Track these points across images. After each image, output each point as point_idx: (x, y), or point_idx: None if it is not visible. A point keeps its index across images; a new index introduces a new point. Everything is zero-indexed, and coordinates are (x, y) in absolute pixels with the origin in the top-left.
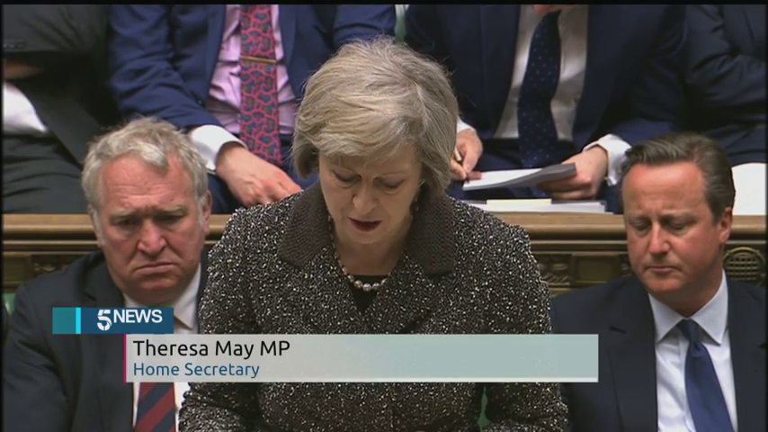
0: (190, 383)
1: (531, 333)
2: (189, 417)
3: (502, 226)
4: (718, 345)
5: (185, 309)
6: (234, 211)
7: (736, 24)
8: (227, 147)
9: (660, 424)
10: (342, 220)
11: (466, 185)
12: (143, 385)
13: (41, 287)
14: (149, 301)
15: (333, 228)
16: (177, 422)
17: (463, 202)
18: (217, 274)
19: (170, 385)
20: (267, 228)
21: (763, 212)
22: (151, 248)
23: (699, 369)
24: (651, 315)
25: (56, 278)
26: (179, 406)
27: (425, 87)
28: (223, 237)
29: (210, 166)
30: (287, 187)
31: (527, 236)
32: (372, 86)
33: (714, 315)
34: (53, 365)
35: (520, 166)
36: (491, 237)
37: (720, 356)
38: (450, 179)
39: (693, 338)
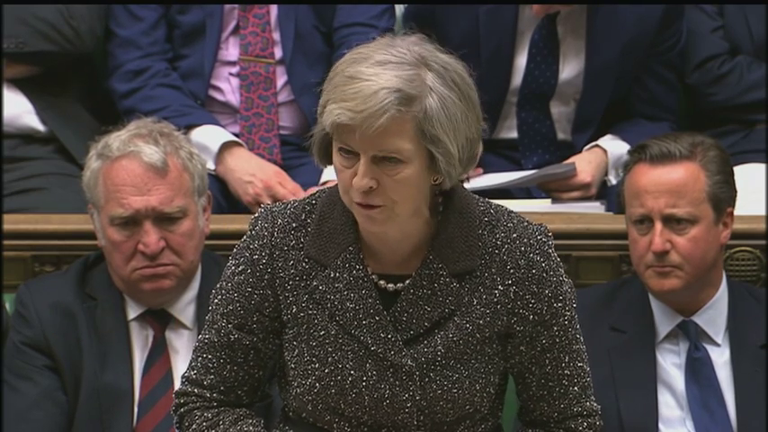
0: (188, 379)
1: (557, 331)
2: (210, 424)
3: (525, 224)
4: (718, 345)
5: (185, 309)
6: (260, 207)
7: (736, 24)
8: (226, 146)
9: (660, 424)
10: (350, 204)
11: (465, 186)
12: (143, 385)
13: (42, 287)
14: (149, 301)
15: (358, 226)
16: (193, 427)
17: (487, 200)
18: (242, 268)
19: (170, 385)
20: (294, 225)
21: (763, 212)
22: (151, 249)
23: (699, 369)
24: (651, 315)
25: (56, 278)
26: None
27: (437, 74)
28: (249, 232)
29: (210, 165)
30: (287, 187)
31: (550, 234)
32: (378, 63)
33: (714, 315)
34: (53, 366)
35: (519, 167)
36: (515, 235)
37: (720, 357)
38: (459, 172)
39: (693, 339)
